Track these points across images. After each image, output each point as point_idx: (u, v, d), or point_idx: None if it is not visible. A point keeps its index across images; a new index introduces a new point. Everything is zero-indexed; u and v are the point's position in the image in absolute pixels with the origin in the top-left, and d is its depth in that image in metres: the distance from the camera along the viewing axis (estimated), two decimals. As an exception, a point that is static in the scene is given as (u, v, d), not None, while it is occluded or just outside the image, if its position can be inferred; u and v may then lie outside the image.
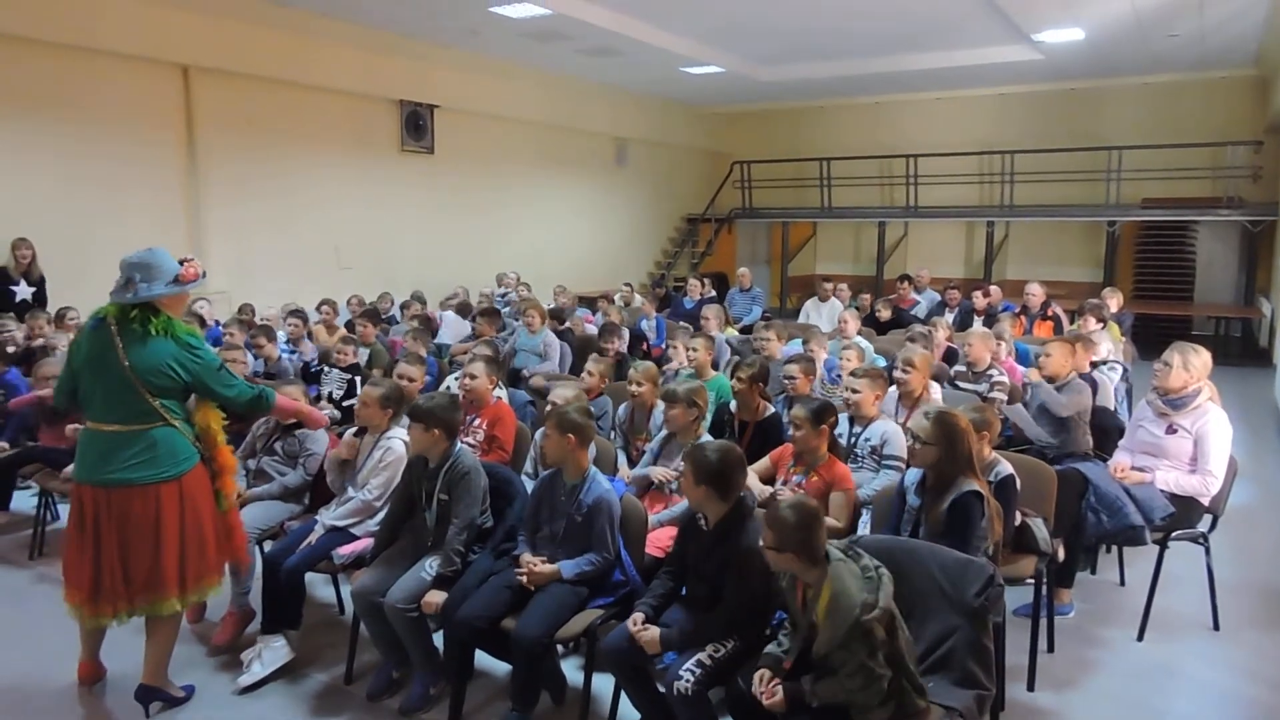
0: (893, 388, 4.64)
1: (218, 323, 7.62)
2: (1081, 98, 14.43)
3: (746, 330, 8.61)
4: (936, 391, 4.93)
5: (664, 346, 7.67)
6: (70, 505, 3.30)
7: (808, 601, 2.63)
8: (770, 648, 2.71)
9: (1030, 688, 3.55)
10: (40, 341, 6.50)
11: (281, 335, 7.24)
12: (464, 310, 8.95)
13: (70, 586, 3.25)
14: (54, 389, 3.59)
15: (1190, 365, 4.14)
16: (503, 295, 10.81)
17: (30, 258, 7.87)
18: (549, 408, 4.07)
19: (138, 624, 3.34)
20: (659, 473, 4.03)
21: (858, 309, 8.70)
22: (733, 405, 4.59)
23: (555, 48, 11.56)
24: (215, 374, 3.28)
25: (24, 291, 7.83)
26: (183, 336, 3.22)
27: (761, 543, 2.66)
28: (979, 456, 3.37)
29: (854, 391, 4.14)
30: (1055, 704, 3.49)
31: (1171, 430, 4.14)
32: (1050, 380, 4.64)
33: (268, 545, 4.02)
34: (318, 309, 8.34)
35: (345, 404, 5.94)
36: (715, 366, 5.66)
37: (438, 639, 3.47)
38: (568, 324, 8.32)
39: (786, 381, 4.72)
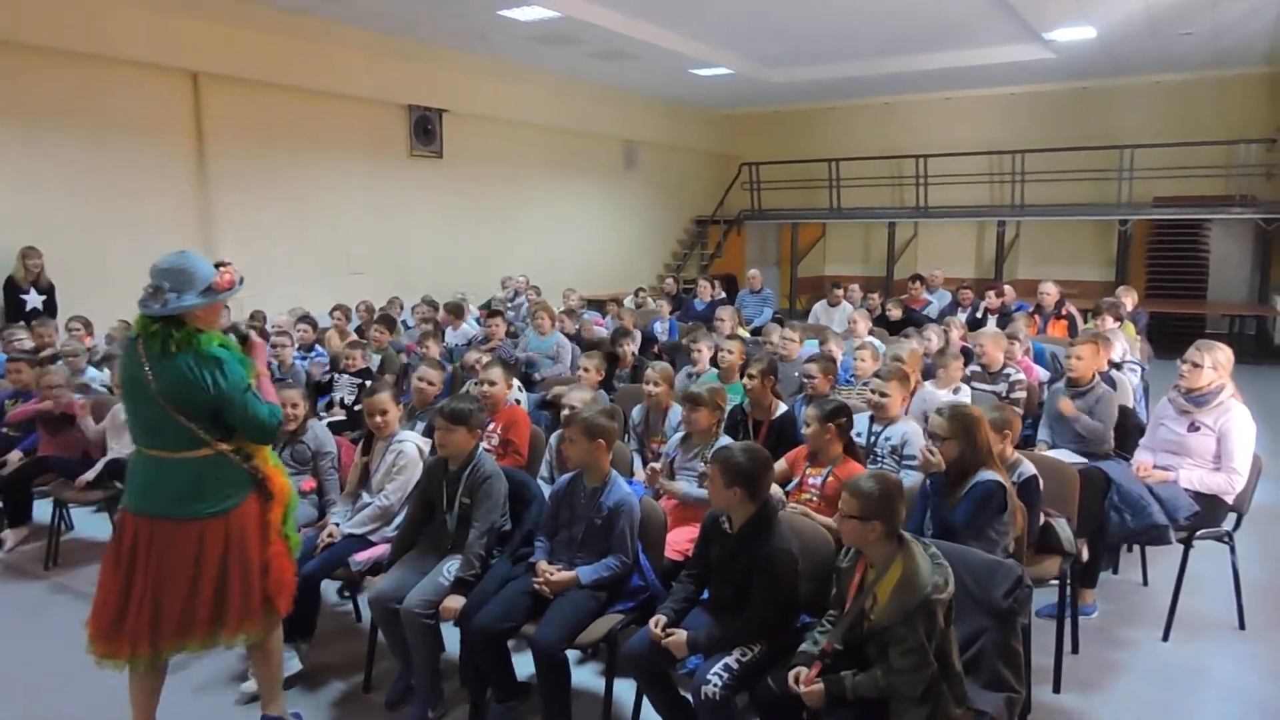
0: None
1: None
2: (1093, 97, 14.36)
3: (757, 332, 8.57)
4: (966, 394, 4.94)
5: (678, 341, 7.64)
6: (114, 530, 3.04)
7: (865, 584, 2.60)
8: (805, 646, 2.68)
9: (1056, 689, 3.51)
10: (49, 351, 6.51)
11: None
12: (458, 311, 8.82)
13: (93, 614, 2.93)
14: None
15: (1219, 364, 4.12)
16: (512, 299, 10.80)
17: (40, 266, 7.89)
18: (566, 412, 4.04)
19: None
20: (678, 487, 3.94)
21: (868, 309, 8.65)
22: (745, 405, 4.55)
23: (564, 51, 11.55)
24: (238, 396, 2.85)
25: (34, 300, 7.85)
26: (206, 350, 2.83)
27: (841, 512, 2.65)
28: (1000, 456, 3.34)
29: (883, 395, 4.12)
30: (1081, 706, 3.45)
31: (1194, 428, 4.10)
32: (1075, 384, 4.58)
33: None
34: (330, 315, 8.32)
35: (357, 409, 5.92)
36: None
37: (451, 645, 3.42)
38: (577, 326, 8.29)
39: (805, 381, 4.70)
